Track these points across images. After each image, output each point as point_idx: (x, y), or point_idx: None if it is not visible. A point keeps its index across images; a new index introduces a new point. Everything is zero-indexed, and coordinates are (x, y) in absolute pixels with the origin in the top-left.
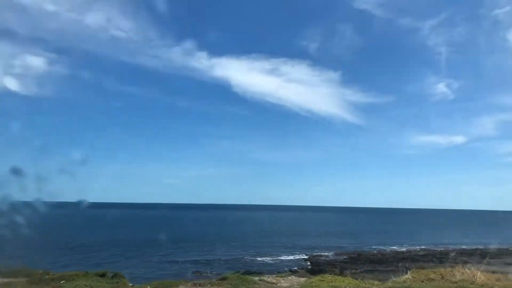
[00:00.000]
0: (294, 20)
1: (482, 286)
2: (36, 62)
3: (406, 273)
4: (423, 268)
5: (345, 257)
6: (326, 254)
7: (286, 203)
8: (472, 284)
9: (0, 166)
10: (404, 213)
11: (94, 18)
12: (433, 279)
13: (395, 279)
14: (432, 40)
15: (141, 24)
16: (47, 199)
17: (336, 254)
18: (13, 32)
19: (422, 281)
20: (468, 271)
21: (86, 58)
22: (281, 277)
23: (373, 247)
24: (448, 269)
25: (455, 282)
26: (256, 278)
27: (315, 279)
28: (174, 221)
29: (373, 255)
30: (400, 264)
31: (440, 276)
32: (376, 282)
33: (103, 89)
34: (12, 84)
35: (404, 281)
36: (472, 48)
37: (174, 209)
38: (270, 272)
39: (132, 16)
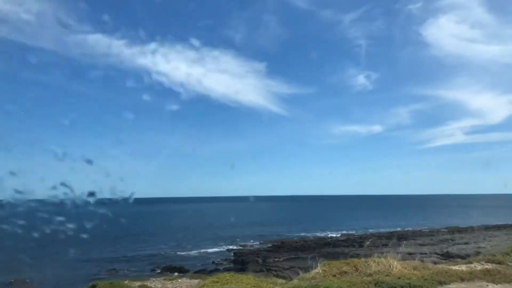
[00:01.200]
0: (218, 9)
1: (399, 278)
2: None
3: (317, 266)
4: (343, 254)
5: (269, 245)
6: (251, 244)
7: (216, 194)
8: (388, 276)
9: None
10: (328, 199)
11: (2, 1)
12: (346, 272)
13: (303, 274)
14: (352, 33)
15: (55, 9)
16: None
17: (260, 243)
18: None
19: (334, 275)
20: (383, 260)
21: None
22: (170, 280)
23: (297, 234)
24: (363, 259)
25: (370, 275)
26: (137, 284)
27: (208, 280)
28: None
29: (296, 242)
30: (322, 251)
31: (354, 268)
32: (279, 281)
33: (15, 78)
34: None
35: (313, 277)
36: (389, 41)
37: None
38: (193, 266)
39: (43, 1)
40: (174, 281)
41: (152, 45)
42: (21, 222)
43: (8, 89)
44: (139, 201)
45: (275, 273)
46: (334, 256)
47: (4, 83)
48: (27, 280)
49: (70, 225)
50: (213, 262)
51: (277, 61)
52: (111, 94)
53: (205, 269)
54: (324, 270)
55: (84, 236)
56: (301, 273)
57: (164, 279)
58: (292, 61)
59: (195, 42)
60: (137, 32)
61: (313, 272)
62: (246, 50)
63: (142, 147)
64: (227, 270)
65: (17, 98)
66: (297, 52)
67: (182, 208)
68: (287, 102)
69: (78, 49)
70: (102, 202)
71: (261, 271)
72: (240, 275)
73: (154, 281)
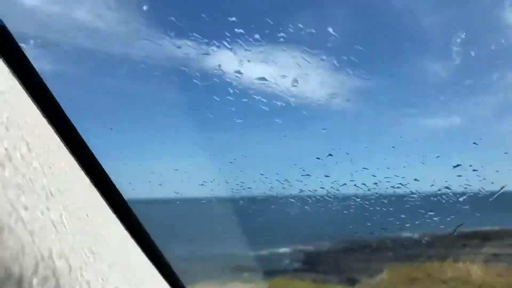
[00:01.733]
0: (282, 5)
1: (480, 286)
2: None
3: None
4: (415, 256)
5: (341, 245)
6: (322, 243)
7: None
8: (466, 283)
9: None
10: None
11: (80, 11)
12: (416, 279)
13: (366, 281)
14: (427, 21)
15: (126, 15)
16: None
17: (332, 243)
18: None
19: (403, 283)
20: (461, 265)
21: (72, 52)
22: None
23: (371, 233)
24: (436, 263)
25: (445, 282)
26: None
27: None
28: None
29: (370, 241)
30: (397, 252)
31: (426, 275)
32: None
33: (90, 83)
34: None
35: (378, 285)
36: (468, 28)
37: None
38: (262, 267)
39: (116, 7)
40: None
41: (221, 46)
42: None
43: (83, 93)
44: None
45: (345, 275)
46: (406, 259)
47: (80, 88)
48: None
49: None
50: (281, 263)
51: (345, 54)
52: (180, 97)
53: (273, 270)
54: (391, 277)
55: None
56: (366, 278)
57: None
58: (367, 53)
59: (262, 40)
60: (205, 32)
61: (377, 277)
62: (315, 46)
63: (215, 148)
64: (296, 271)
65: (92, 102)
66: (369, 45)
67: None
68: (357, 94)
69: (144, 52)
70: None
71: (330, 273)
72: (297, 281)
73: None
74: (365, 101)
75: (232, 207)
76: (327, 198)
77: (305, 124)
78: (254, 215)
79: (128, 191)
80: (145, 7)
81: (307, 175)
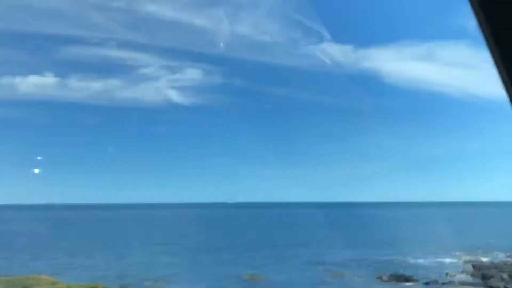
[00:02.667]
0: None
1: None
2: (194, 74)
3: None
4: None
5: None
6: (494, 255)
7: (455, 199)
8: None
9: None
10: None
11: (242, 27)
12: None
13: None
14: None
15: (284, 26)
16: None
17: (508, 256)
18: (170, 49)
19: None
20: None
21: (237, 65)
22: None
23: None
24: None
25: None
26: None
27: None
28: (325, 219)
29: None
30: None
31: None
32: None
33: (254, 93)
34: (174, 96)
35: None
36: None
37: (332, 207)
38: (424, 277)
39: (275, 20)
40: None
41: (378, 47)
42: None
43: (247, 103)
44: (362, 205)
45: None
46: None
47: (245, 98)
48: (261, 277)
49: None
50: (446, 274)
51: None
52: (339, 100)
53: (437, 281)
54: None
55: (311, 237)
56: None
57: None
58: None
59: (422, 38)
60: (362, 35)
61: None
62: (481, 38)
63: (370, 150)
64: (463, 283)
65: (256, 110)
66: None
67: (419, 213)
68: None
69: (307, 60)
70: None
71: None
72: None
73: None
74: None
75: None
76: None
77: None
78: None
79: None
80: (299, 16)
81: None
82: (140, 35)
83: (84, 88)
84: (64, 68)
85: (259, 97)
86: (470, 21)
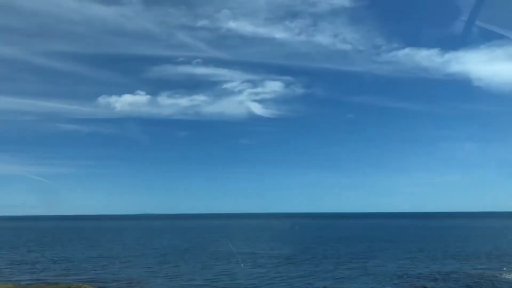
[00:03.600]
0: None
1: None
2: (275, 86)
3: None
4: None
5: None
6: None
7: None
8: None
9: None
10: None
11: (321, 37)
12: None
13: None
14: None
15: (365, 33)
16: None
17: None
18: (252, 63)
19: None
20: None
21: (317, 75)
22: None
23: None
24: None
25: None
26: None
27: None
28: (418, 230)
29: None
30: None
31: None
32: None
33: (335, 103)
34: (256, 108)
35: None
36: None
37: (418, 218)
38: None
39: (355, 28)
40: None
41: (466, 49)
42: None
43: (329, 112)
44: (459, 215)
45: None
46: None
47: (326, 108)
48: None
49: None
50: None
51: None
52: (425, 107)
53: None
54: None
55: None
56: None
57: None
58: None
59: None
60: (448, 38)
61: None
62: None
63: (460, 157)
64: None
65: (337, 119)
66: None
67: (495, 225)
68: None
69: (389, 66)
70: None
71: None
72: None
73: None
74: None
75: None
76: None
77: None
78: None
79: None
80: (380, 23)
81: None
82: (222, 51)
83: (172, 104)
84: (154, 87)
85: (340, 106)
86: None
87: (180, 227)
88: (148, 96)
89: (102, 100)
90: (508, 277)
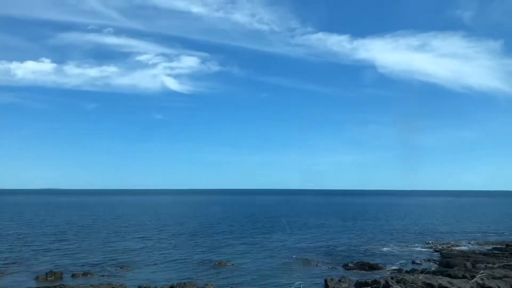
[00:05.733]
0: None
1: None
2: (191, 62)
3: None
4: None
5: (487, 248)
6: (465, 244)
7: (441, 188)
8: None
9: None
10: None
11: (239, 15)
12: None
13: None
14: None
15: (281, 15)
16: None
17: (477, 245)
18: (167, 36)
19: None
20: None
21: (234, 54)
22: None
23: None
24: None
25: None
26: None
27: None
28: (317, 206)
29: None
30: None
31: None
32: None
33: (250, 82)
34: (171, 83)
35: None
36: None
37: (315, 194)
38: (389, 264)
39: (272, 9)
40: None
41: (373, 37)
42: None
43: (243, 91)
44: (357, 193)
45: (480, 281)
46: None
47: (241, 87)
48: (229, 264)
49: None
50: (413, 262)
51: None
52: (333, 90)
53: (401, 269)
54: None
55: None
56: None
57: None
58: None
59: (417, 28)
60: (358, 25)
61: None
62: (477, 29)
63: (363, 139)
64: (424, 271)
65: (252, 99)
66: None
67: (400, 202)
68: None
69: (303, 49)
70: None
71: (464, 277)
72: None
73: None
74: None
75: None
76: None
77: None
78: None
79: None
80: (296, 6)
81: None
82: (136, 22)
83: (80, 74)
84: (61, 54)
85: (255, 86)
86: (466, 12)
87: (85, 203)
88: (54, 64)
89: (1, 65)
90: (385, 250)
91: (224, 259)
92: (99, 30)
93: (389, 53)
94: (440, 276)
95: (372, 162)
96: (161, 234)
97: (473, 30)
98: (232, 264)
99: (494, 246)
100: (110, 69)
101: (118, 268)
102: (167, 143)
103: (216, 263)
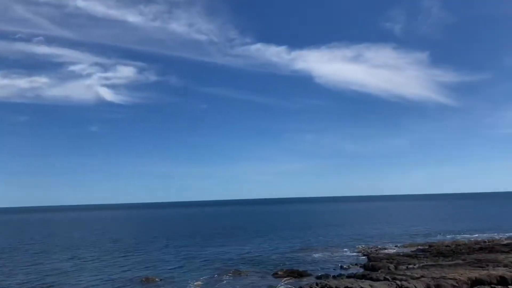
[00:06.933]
0: (375, 2)
1: None
2: (127, 71)
3: None
4: (496, 262)
5: (412, 249)
6: (393, 247)
7: (377, 193)
8: None
9: None
10: (504, 197)
11: (176, 25)
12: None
13: None
14: None
15: (220, 25)
16: None
17: (403, 247)
18: (102, 45)
19: None
20: None
21: (172, 63)
22: None
23: (453, 236)
24: None
25: None
26: None
27: None
28: (246, 215)
29: (446, 246)
30: (470, 257)
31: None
32: None
33: (189, 92)
34: (107, 94)
35: None
36: None
37: (257, 204)
38: (318, 270)
39: (210, 19)
40: None
41: (310, 49)
42: None
43: (182, 102)
44: (299, 200)
45: (399, 283)
46: (484, 263)
47: (180, 97)
48: (157, 279)
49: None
50: (341, 267)
51: (442, 48)
52: (273, 100)
53: (329, 275)
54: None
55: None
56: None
57: None
58: (460, 46)
59: (351, 40)
60: (296, 36)
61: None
62: (407, 41)
63: (302, 147)
64: (351, 276)
65: (191, 109)
66: (466, 36)
67: (338, 208)
68: (456, 91)
69: (242, 60)
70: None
71: (385, 279)
72: None
73: None
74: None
75: None
76: None
77: None
78: None
79: None
80: (234, 16)
81: None
82: (69, 31)
83: (8, 85)
84: None
85: (193, 96)
86: (396, 25)
87: (11, 221)
88: None
89: None
90: (315, 256)
91: (153, 275)
92: (28, 39)
93: (325, 64)
94: (363, 280)
95: (311, 170)
96: (92, 252)
97: (402, 42)
98: (160, 279)
99: (419, 248)
100: (41, 80)
101: None
102: (103, 156)
103: (143, 279)
